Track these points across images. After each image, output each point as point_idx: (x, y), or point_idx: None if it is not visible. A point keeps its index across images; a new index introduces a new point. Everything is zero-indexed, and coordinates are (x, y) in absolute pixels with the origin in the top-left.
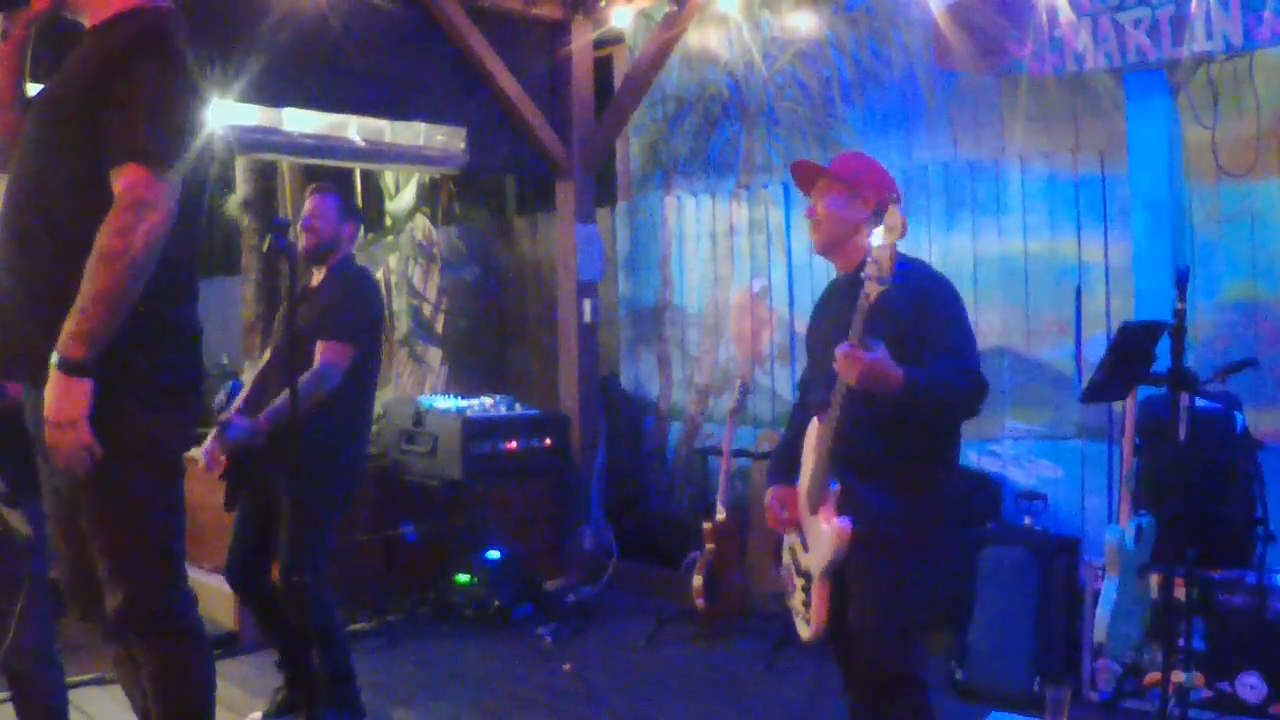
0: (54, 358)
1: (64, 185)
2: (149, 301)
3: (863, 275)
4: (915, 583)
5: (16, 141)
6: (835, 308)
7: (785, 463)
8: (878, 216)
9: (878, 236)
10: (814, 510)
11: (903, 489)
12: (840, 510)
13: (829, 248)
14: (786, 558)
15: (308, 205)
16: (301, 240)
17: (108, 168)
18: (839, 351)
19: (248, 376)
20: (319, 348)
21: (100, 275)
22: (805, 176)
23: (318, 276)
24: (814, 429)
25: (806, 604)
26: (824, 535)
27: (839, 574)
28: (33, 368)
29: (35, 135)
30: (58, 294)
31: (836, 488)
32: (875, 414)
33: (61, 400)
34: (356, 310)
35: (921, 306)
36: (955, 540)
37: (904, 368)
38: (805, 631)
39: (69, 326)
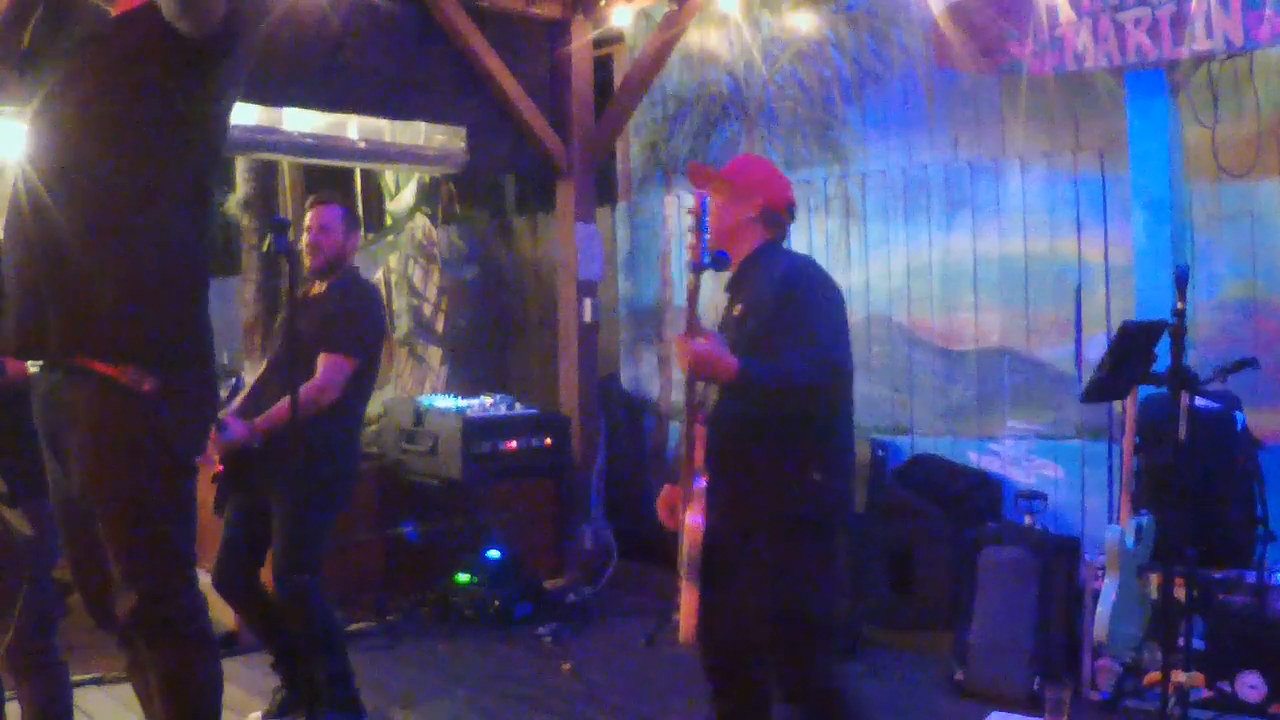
0: None
1: (100, 174)
2: (167, 301)
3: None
4: (792, 594)
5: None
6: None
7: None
8: (767, 217)
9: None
10: (685, 508)
11: (769, 490)
12: (706, 509)
13: (717, 247)
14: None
15: (311, 217)
16: (308, 256)
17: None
18: (674, 339)
19: (249, 377)
20: (321, 359)
21: None
22: (700, 181)
23: (320, 285)
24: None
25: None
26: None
27: (712, 581)
28: (53, 347)
29: (62, 125)
30: (85, 275)
31: (701, 484)
32: (737, 409)
33: None
34: (362, 324)
35: (784, 297)
36: (834, 551)
37: (741, 358)
38: (680, 633)
39: None
